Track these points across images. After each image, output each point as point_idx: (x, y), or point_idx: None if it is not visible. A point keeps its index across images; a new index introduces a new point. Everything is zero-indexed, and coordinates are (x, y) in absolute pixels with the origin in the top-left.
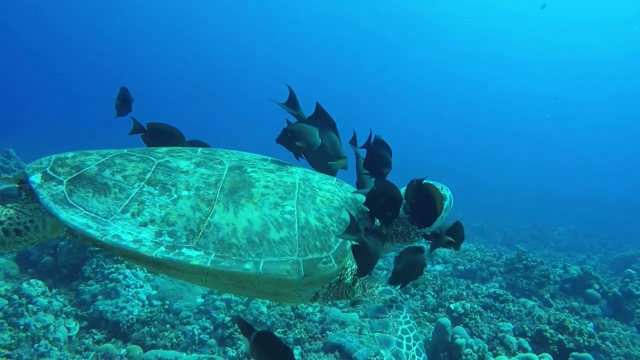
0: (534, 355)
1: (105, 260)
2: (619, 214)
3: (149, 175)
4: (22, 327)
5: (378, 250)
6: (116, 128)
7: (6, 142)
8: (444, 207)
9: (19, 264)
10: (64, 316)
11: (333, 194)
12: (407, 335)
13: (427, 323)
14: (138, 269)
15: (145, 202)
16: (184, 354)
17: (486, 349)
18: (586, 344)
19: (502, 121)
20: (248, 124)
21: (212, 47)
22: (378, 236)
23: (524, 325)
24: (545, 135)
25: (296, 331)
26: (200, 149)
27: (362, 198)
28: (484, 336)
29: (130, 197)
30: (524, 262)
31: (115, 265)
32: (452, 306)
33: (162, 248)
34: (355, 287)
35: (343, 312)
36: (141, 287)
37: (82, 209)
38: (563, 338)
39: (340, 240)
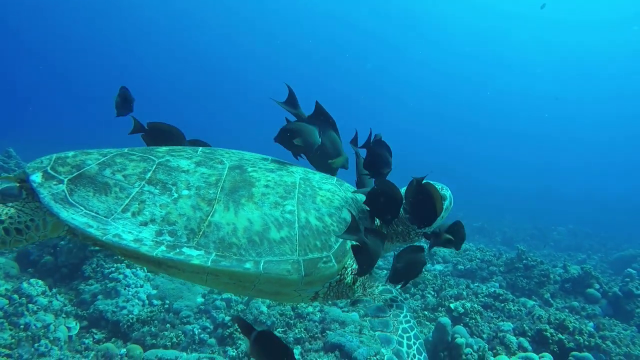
0: (534, 355)
1: (106, 259)
2: (618, 213)
3: (149, 174)
4: (22, 326)
5: (378, 250)
6: (116, 128)
7: (6, 141)
8: (444, 207)
9: (19, 263)
10: (64, 316)
11: (333, 194)
12: (407, 335)
13: (427, 322)
14: (138, 268)
15: (146, 201)
16: (184, 354)
17: (486, 349)
18: (586, 343)
19: (501, 121)
20: (248, 124)
21: (212, 47)
22: (378, 236)
23: (524, 325)
24: (545, 135)
25: (296, 331)
26: (200, 148)
27: (362, 197)
28: (484, 336)
29: (131, 196)
30: (524, 261)
31: (115, 265)
32: (452, 306)
33: (163, 247)
34: (356, 287)
35: (343, 311)
36: (141, 286)
37: (82, 208)
38: (563, 337)
39: (341, 239)
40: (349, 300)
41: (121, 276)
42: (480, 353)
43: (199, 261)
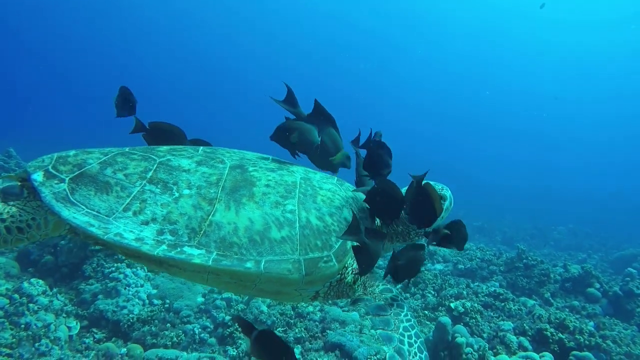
0: (534, 354)
1: (106, 259)
2: (618, 213)
3: (150, 173)
4: (23, 326)
5: (378, 250)
6: (116, 128)
7: (6, 141)
8: (444, 207)
9: (20, 263)
10: (64, 315)
11: (334, 193)
12: (408, 333)
13: (427, 322)
14: (138, 268)
15: (147, 200)
16: (185, 353)
17: (487, 348)
18: (587, 343)
19: (501, 120)
20: (248, 124)
21: (212, 47)
22: (378, 236)
23: (525, 324)
24: (544, 135)
25: (296, 330)
26: (201, 147)
27: (362, 197)
28: (485, 335)
29: (132, 195)
30: (524, 261)
31: (115, 265)
32: (452, 305)
33: (164, 246)
34: (356, 286)
35: (343, 311)
36: (141, 286)
37: (84, 207)
38: (563, 337)
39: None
40: (349, 300)
41: (121, 276)
42: (481, 352)
43: (200, 260)
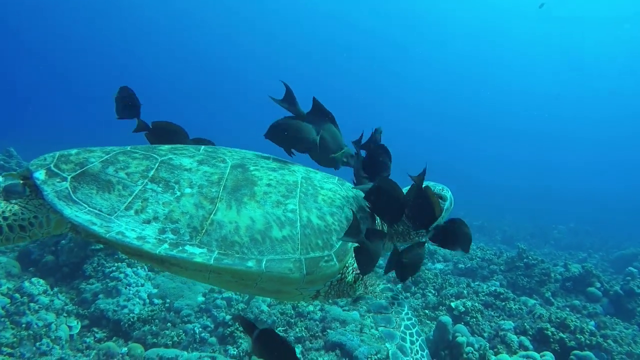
0: (535, 354)
1: (106, 258)
2: (619, 212)
3: (152, 172)
4: (24, 325)
5: (378, 249)
6: (116, 128)
7: (6, 141)
8: (444, 208)
9: (20, 262)
10: (65, 315)
11: (335, 193)
12: (409, 331)
13: (427, 321)
14: (139, 267)
15: (149, 199)
16: (185, 353)
17: (487, 348)
18: (588, 342)
19: (501, 120)
20: (248, 124)
21: (212, 47)
22: (378, 236)
23: (525, 324)
24: (544, 134)
25: (297, 330)
26: (202, 147)
27: (362, 195)
28: (485, 334)
29: (134, 194)
30: (525, 260)
31: (116, 264)
32: (453, 304)
33: (166, 245)
34: (357, 285)
35: (344, 310)
36: (142, 285)
37: (86, 205)
38: (564, 336)
39: None
40: (349, 299)
41: (122, 275)
42: (481, 352)
43: (202, 259)
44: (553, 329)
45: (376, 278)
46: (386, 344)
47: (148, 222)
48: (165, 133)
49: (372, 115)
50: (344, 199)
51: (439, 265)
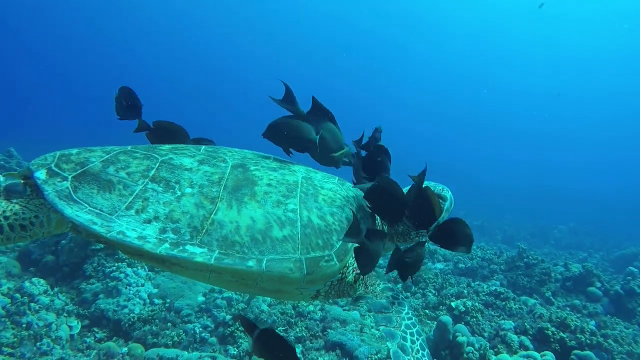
0: (536, 354)
1: (107, 258)
2: (619, 212)
3: (152, 172)
4: (24, 325)
5: (379, 250)
6: (116, 128)
7: (6, 141)
8: (445, 208)
9: (21, 262)
10: (65, 315)
11: (335, 193)
12: (410, 331)
13: (428, 321)
14: (139, 267)
15: (149, 199)
16: (186, 352)
17: (488, 347)
18: (588, 342)
19: (501, 119)
20: (248, 124)
21: (212, 47)
22: (379, 236)
23: (526, 323)
24: (544, 134)
25: (297, 329)
26: (203, 146)
27: (363, 195)
28: (486, 334)
29: (135, 193)
30: (525, 260)
31: (116, 264)
32: (453, 304)
33: (167, 245)
34: (357, 285)
35: (344, 310)
36: (142, 285)
37: (86, 205)
38: (565, 336)
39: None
40: (350, 299)
41: (122, 275)
42: (482, 351)
43: (203, 259)
44: (553, 329)
45: (376, 278)
46: (387, 343)
47: (149, 221)
48: (166, 133)
49: (372, 115)
50: (344, 198)
51: (439, 265)
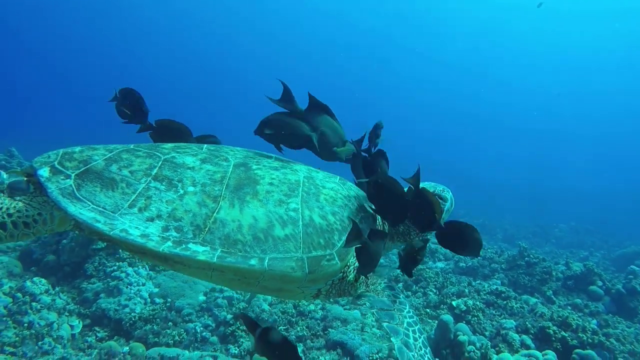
0: (537, 353)
1: (108, 258)
2: (620, 211)
3: (155, 170)
4: (26, 324)
5: (379, 250)
6: (116, 128)
7: (6, 141)
8: (445, 209)
9: (22, 262)
10: (67, 314)
11: (336, 192)
12: (412, 328)
13: (429, 320)
14: (140, 266)
15: (152, 197)
16: (187, 352)
17: (489, 346)
18: (590, 341)
19: (501, 118)
20: (248, 124)
21: (212, 47)
22: (380, 236)
23: (527, 323)
24: (545, 132)
25: (298, 328)
26: (205, 145)
27: (364, 195)
28: (487, 333)
29: (137, 192)
30: (526, 259)
31: (117, 263)
32: (454, 303)
33: (169, 243)
34: (358, 284)
35: (345, 309)
36: (143, 285)
37: (89, 203)
38: (566, 335)
39: (344, 238)
40: (351, 298)
41: (123, 274)
42: (483, 350)
43: (205, 257)
44: (555, 328)
45: (377, 277)
46: (391, 339)
47: (151, 220)
48: (169, 131)
49: (372, 113)
50: (345, 198)
51: (439, 264)
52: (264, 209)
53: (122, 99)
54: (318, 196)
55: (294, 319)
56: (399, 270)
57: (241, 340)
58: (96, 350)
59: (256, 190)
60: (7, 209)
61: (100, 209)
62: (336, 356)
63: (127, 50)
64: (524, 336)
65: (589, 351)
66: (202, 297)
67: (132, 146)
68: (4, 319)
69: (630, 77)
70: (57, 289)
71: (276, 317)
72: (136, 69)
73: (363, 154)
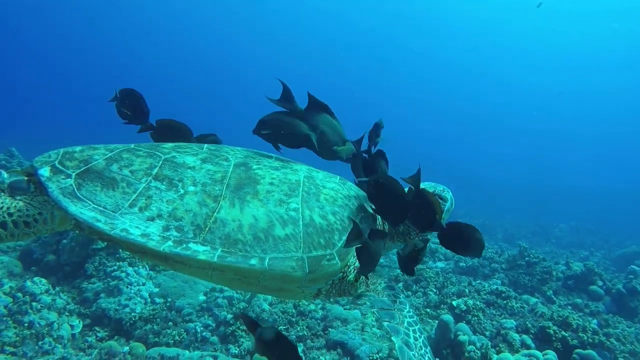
0: (537, 353)
1: (108, 258)
2: (620, 210)
3: (156, 170)
4: (26, 324)
5: (379, 250)
6: (116, 128)
7: (6, 141)
8: (445, 209)
9: (22, 262)
10: (67, 314)
11: (337, 192)
12: (412, 328)
13: (429, 320)
14: (140, 266)
15: (153, 196)
16: (187, 352)
17: (489, 346)
18: (590, 341)
19: (501, 117)
20: (248, 124)
21: (212, 47)
22: (380, 236)
23: (527, 322)
24: (546, 132)
25: (298, 328)
26: (206, 145)
27: (364, 195)
28: (487, 333)
29: (138, 191)
30: (526, 258)
31: (117, 263)
32: (454, 303)
33: (170, 242)
34: (358, 284)
35: (345, 309)
36: (143, 284)
37: (90, 202)
38: (567, 335)
39: (344, 237)
40: (351, 298)
41: (123, 274)
42: (483, 350)
43: (206, 257)
44: (555, 328)
45: (377, 277)
46: (392, 338)
47: (152, 219)
48: (170, 131)
49: (372, 113)
50: (345, 198)
51: (440, 264)
52: (264, 208)
53: (122, 99)
54: (318, 196)
55: (294, 319)
56: (398, 270)
57: (241, 340)
58: (96, 350)
59: (257, 190)
60: (8, 208)
61: (101, 208)
62: (336, 356)
63: (127, 50)
64: (524, 336)
65: (590, 351)
66: (202, 297)
67: (132, 146)
68: (5, 318)
69: (630, 77)
70: (57, 288)
71: (276, 316)
72: (136, 69)
73: (363, 154)
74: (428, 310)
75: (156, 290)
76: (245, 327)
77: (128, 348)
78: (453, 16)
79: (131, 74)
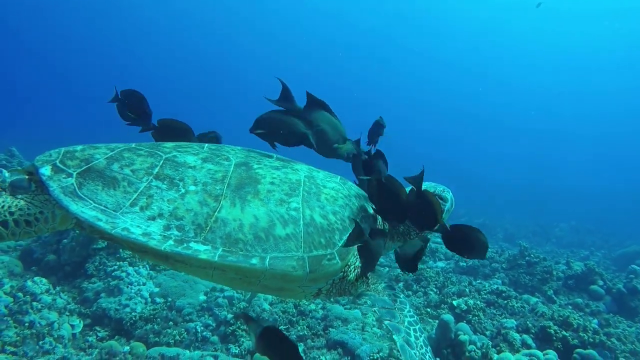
0: (538, 352)
1: (108, 257)
2: (621, 210)
3: (157, 169)
4: (27, 324)
5: (379, 249)
6: (116, 127)
7: (6, 141)
8: (445, 209)
9: (23, 261)
10: (67, 313)
11: (337, 192)
12: (413, 327)
13: (429, 320)
14: (141, 266)
15: (154, 196)
16: (187, 351)
17: (490, 346)
18: (591, 340)
19: (502, 117)
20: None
21: (212, 47)
22: (380, 235)
23: (528, 322)
24: (546, 131)
25: (299, 328)
26: (206, 144)
27: (365, 194)
28: (488, 333)
29: (139, 190)
30: (527, 258)
31: (118, 263)
32: (454, 303)
33: (171, 242)
34: (358, 284)
35: (345, 309)
36: (144, 284)
37: (91, 201)
38: (567, 335)
39: (344, 237)
40: (351, 298)
41: (124, 274)
42: (484, 350)
43: (206, 256)
44: (556, 327)
45: (377, 277)
46: (393, 336)
47: (153, 218)
48: (171, 130)
49: (372, 113)
50: (346, 197)
51: (440, 264)
52: (265, 208)
53: (125, 100)
54: (319, 195)
55: (294, 319)
56: (399, 270)
57: (242, 339)
58: (97, 349)
59: (257, 190)
60: (9, 207)
61: (102, 207)
62: (337, 356)
63: (127, 50)
64: (524, 336)
65: (590, 351)
66: (202, 297)
67: (133, 145)
68: (5, 318)
69: (630, 77)
70: (57, 288)
71: (277, 316)
72: (136, 69)
73: (363, 154)
74: (428, 309)
75: (156, 290)
76: (245, 327)
77: (128, 348)
78: (453, 16)
79: (131, 74)
